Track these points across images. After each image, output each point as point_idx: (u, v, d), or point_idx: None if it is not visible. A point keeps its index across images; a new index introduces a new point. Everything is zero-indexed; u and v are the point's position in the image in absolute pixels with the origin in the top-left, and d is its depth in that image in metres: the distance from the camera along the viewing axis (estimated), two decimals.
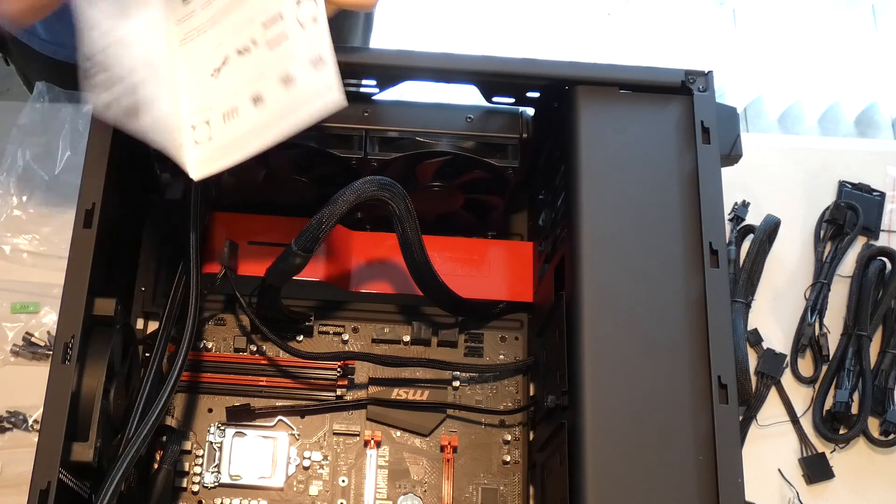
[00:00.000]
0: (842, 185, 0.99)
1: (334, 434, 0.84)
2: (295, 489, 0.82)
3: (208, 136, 0.68)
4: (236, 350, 0.86)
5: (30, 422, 0.84)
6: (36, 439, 0.65)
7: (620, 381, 0.67)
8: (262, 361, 0.85)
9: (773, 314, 0.94)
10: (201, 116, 0.68)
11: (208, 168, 0.67)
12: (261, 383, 0.84)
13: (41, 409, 0.82)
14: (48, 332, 0.87)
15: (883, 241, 0.97)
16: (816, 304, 0.93)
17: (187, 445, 0.82)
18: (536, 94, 0.79)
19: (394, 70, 0.77)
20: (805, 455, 0.89)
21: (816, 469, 0.88)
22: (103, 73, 0.66)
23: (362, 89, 0.78)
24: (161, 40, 0.68)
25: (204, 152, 0.67)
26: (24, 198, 0.91)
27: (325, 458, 0.83)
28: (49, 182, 0.91)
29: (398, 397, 0.85)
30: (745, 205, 0.96)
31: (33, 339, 0.86)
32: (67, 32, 0.69)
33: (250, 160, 0.80)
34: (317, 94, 0.66)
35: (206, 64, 0.69)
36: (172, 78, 0.68)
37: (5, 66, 1.06)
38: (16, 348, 0.86)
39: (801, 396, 0.91)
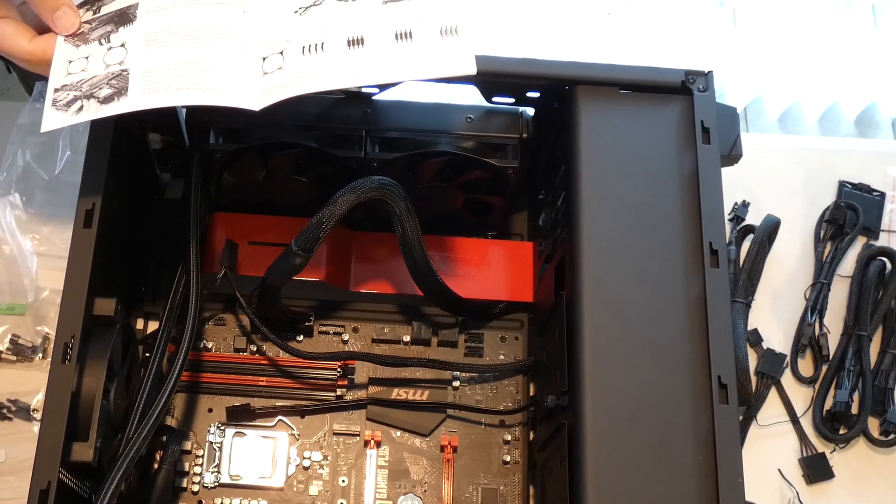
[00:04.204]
0: (842, 185, 0.99)
1: (334, 434, 0.84)
2: (295, 489, 0.82)
3: (279, 66, 0.67)
4: (236, 350, 0.86)
5: (30, 410, 0.84)
6: (37, 429, 0.65)
7: (620, 381, 0.67)
8: (262, 361, 0.85)
9: (773, 314, 0.94)
10: (275, 47, 0.67)
11: (276, 95, 0.66)
12: (261, 383, 0.84)
13: (39, 395, 0.83)
14: (44, 336, 0.86)
15: (883, 241, 0.97)
16: (816, 304, 0.93)
17: (187, 445, 0.82)
18: (536, 94, 0.79)
19: None
20: (805, 455, 0.89)
21: (816, 469, 0.88)
22: (73, 90, 0.66)
23: (362, 89, 0.78)
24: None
25: (272, 80, 0.66)
26: (24, 198, 0.91)
27: (325, 458, 0.83)
28: (49, 182, 0.91)
29: (398, 397, 0.85)
30: (745, 205, 0.96)
31: (20, 341, 0.86)
32: None
33: (249, 160, 0.80)
34: (441, 59, 0.66)
35: (291, 3, 0.69)
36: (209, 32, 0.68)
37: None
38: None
39: (801, 396, 0.91)
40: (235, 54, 0.67)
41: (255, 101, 0.66)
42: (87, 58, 0.68)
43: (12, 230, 0.88)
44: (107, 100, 0.66)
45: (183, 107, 0.66)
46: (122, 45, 0.68)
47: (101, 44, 0.69)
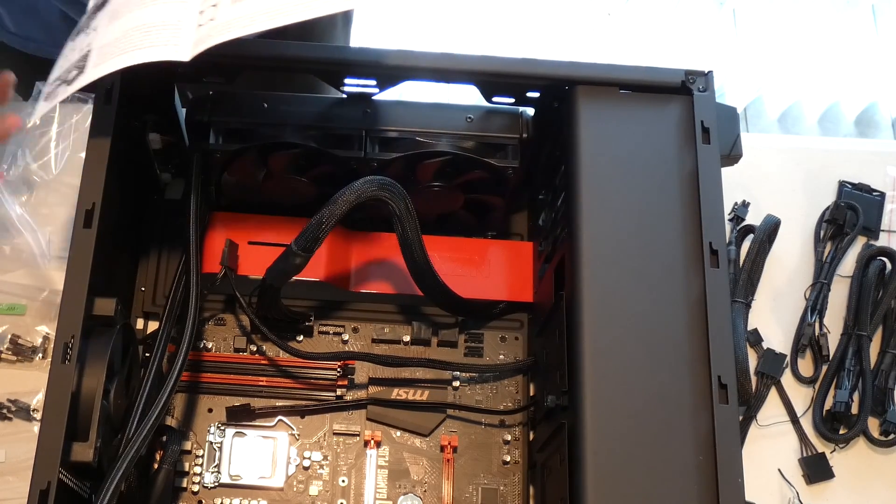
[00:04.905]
0: (842, 185, 0.99)
1: (334, 434, 0.84)
2: (295, 489, 0.82)
3: (211, 17, 0.67)
4: (236, 350, 0.86)
5: (30, 410, 0.84)
6: (37, 429, 0.65)
7: (620, 381, 0.67)
8: (262, 361, 0.85)
9: (773, 314, 0.94)
10: (211, 1, 0.68)
11: (204, 44, 0.66)
12: (261, 383, 0.84)
13: (39, 395, 0.83)
14: (44, 336, 0.86)
15: (883, 241, 0.97)
16: (816, 304, 0.93)
17: (187, 445, 0.82)
18: (536, 94, 0.79)
19: (394, 70, 0.77)
20: (805, 455, 0.89)
21: (816, 469, 0.88)
22: (58, 80, 0.68)
23: (362, 89, 0.78)
24: None
25: (203, 31, 0.66)
26: (24, 198, 0.91)
27: (325, 458, 0.83)
28: (49, 182, 0.91)
29: (398, 397, 0.85)
30: (745, 205, 0.96)
31: (20, 341, 0.86)
32: (36, 26, 0.70)
33: (249, 160, 0.80)
34: None
35: None
36: None
37: None
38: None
39: (801, 396, 0.91)
40: (177, 13, 0.68)
41: (186, 52, 0.66)
42: (73, 49, 0.69)
43: (16, 228, 0.88)
44: (71, 80, 0.67)
45: (130, 68, 0.66)
46: (95, 30, 0.69)
47: (86, 34, 0.70)
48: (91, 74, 0.66)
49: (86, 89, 0.67)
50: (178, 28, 0.67)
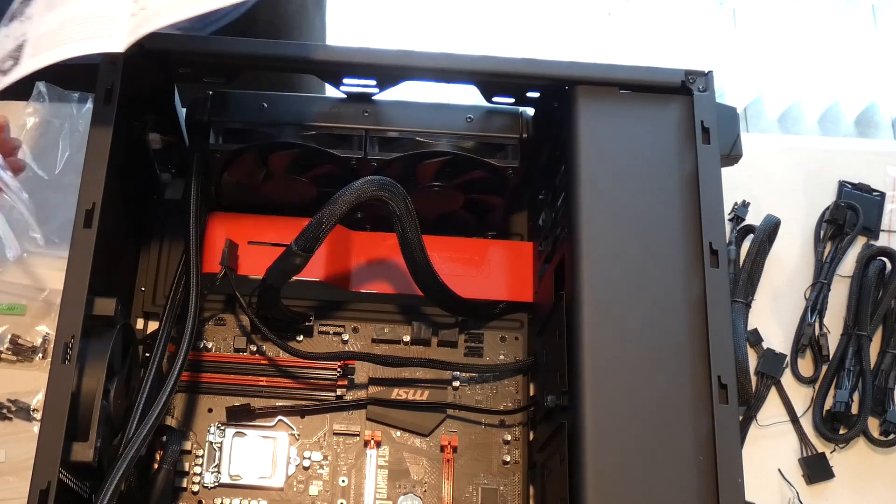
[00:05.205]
0: (842, 185, 0.99)
1: (334, 434, 0.84)
2: (295, 489, 0.82)
3: (143, 7, 0.66)
4: (236, 350, 0.86)
5: (30, 410, 0.84)
6: (37, 429, 0.65)
7: (620, 381, 0.67)
8: (262, 361, 0.85)
9: (773, 314, 0.94)
10: None
11: (136, 34, 0.65)
12: (261, 383, 0.84)
13: (39, 395, 0.83)
14: (44, 336, 0.86)
15: (883, 241, 0.97)
16: (816, 304, 0.93)
17: (187, 445, 0.82)
18: (536, 94, 0.79)
19: (394, 70, 0.77)
20: (805, 455, 0.89)
21: (816, 469, 0.88)
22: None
23: (362, 89, 0.79)
24: None
25: (135, 21, 0.66)
26: (25, 198, 0.90)
27: (325, 458, 0.83)
28: (49, 182, 0.91)
29: (398, 397, 0.85)
30: (745, 205, 0.96)
31: (20, 341, 0.86)
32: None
33: (249, 160, 0.80)
34: None
35: None
36: None
37: None
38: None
39: (801, 396, 0.91)
40: (111, 2, 0.67)
41: (121, 43, 0.65)
42: (7, 37, 0.69)
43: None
44: (6, 71, 0.67)
45: (67, 61, 0.66)
46: (31, 18, 0.69)
47: (20, 21, 0.69)
48: (27, 66, 0.66)
49: (35, 76, 0.67)
50: (113, 19, 0.67)
